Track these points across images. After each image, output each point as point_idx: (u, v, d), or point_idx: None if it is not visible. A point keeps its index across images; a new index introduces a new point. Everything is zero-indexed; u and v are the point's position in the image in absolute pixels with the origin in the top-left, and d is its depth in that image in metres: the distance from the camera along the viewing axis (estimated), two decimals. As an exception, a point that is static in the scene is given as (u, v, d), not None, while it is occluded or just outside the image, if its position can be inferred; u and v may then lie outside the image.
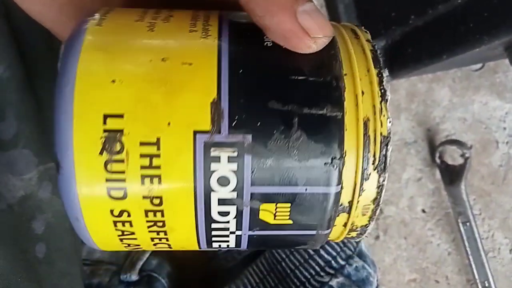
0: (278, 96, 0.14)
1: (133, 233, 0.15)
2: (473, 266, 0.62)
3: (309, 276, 0.33)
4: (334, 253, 0.34)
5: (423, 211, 0.66)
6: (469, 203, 0.62)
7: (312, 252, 0.34)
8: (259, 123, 0.13)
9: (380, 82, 0.15)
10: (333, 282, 0.33)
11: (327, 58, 0.15)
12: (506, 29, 0.41)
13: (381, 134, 0.14)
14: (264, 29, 0.15)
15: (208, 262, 0.39)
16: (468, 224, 0.62)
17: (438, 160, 0.64)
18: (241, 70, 0.14)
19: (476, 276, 0.62)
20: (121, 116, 0.13)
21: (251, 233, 0.15)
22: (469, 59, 0.58)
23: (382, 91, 0.15)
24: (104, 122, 0.13)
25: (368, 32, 0.17)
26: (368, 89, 0.15)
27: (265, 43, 0.15)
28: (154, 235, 0.15)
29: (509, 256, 0.66)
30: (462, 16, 0.45)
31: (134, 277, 0.34)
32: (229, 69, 0.14)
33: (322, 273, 0.33)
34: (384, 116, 0.14)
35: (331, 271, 0.33)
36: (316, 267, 0.33)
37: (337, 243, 0.34)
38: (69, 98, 0.13)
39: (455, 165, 0.63)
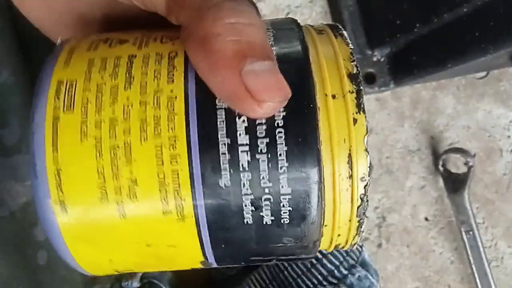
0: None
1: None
2: (476, 275, 0.62)
3: (311, 286, 0.33)
4: (337, 263, 0.34)
5: (426, 219, 0.66)
6: (472, 211, 0.62)
7: (314, 261, 0.34)
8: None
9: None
10: (336, 292, 0.33)
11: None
12: (511, 38, 0.41)
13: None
14: (209, 87, 0.14)
15: (209, 270, 0.39)
16: (471, 232, 0.62)
17: (441, 168, 0.64)
18: (222, 245, 0.14)
19: (479, 285, 0.62)
20: None
21: None
22: (474, 67, 0.58)
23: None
24: None
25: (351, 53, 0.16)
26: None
27: (245, 220, 0.14)
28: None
29: (512, 266, 0.66)
30: (467, 25, 0.45)
31: (135, 284, 0.34)
32: (211, 243, 0.14)
33: (324, 283, 0.33)
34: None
35: (334, 281, 0.33)
36: (319, 277, 0.33)
37: (339, 252, 0.34)
38: None
39: (458, 173, 0.63)
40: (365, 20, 0.56)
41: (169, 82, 0.14)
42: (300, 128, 0.13)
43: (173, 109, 0.14)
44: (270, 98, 0.13)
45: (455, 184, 0.63)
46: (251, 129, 0.13)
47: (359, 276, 0.34)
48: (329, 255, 0.34)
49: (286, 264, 0.35)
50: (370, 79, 0.59)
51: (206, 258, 0.15)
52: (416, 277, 0.65)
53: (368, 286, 0.34)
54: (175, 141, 0.13)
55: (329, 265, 0.34)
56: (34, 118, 0.14)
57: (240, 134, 0.13)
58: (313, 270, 0.34)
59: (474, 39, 0.45)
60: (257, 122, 0.13)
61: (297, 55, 0.14)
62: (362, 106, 0.14)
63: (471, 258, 0.62)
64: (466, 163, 0.62)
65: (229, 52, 0.13)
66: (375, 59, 0.57)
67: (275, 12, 0.61)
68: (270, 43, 0.14)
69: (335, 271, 0.33)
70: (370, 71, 0.58)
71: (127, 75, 0.14)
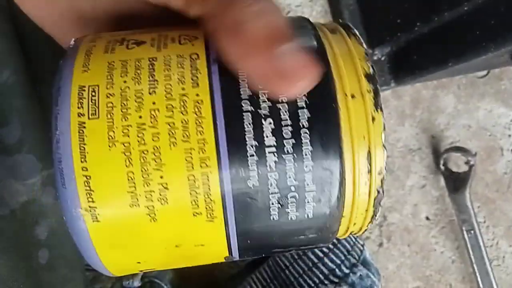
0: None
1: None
2: (477, 274, 0.62)
3: (313, 285, 0.33)
4: (339, 261, 0.34)
5: (427, 218, 0.66)
6: (474, 210, 0.62)
7: (316, 260, 0.34)
8: None
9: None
10: (337, 291, 0.33)
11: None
12: (512, 37, 0.41)
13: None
14: (238, 71, 0.14)
15: (211, 269, 0.39)
16: (472, 232, 0.62)
17: (442, 167, 0.64)
18: (248, 241, 0.15)
19: (481, 285, 0.62)
20: None
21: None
22: (475, 66, 0.58)
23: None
24: None
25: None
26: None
27: (271, 217, 0.15)
28: None
29: (514, 265, 0.66)
30: (468, 23, 0.45)
31: (136, 283, 0.34)
32: (237, 240, 0.15)
33: (326, 282, 0.33)
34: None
35: (335, 280, 0.33)
36: (320, 276, 0.33)
37: (341, 251, 0.34)
38: None
39: (459, 172, 0.63)
40: (365, 19, 0.56)
41: (194, 86, 0.14)
42: (323, 129, 0.14)
43: (201, 113, 0.14)
44: (301, 77, 0.14)
45: (456, 183, 0.63)
46: (277, 131, 0.14)
47: (360, 275, 0.34)
48: (330, 254, 0.33)
49: (287, 263, 0.34)
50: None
51: (231, 253, 0.15)
52: (417, 276, 0.65)
53: (370, 285, 0.34)
54: (204, 144, 0.14)
55: (330, 264, 0.34)
56: (58, 126, 0.14)
57: (267, 136, 0.14)
58: (314, 269, 0.34)
59: (474, 38, 0.45)
60: (283, 123, 0.14)
61: (316, 55, 0.15)
62: (379, 104, 0.15)
63: (472, 257, 0.62)
64: (467, 162, 0.62)
65: (261, 37, 0.14)
66: (375, 58, 0.57)
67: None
68: None
69: (337, 270, 0.33)
70: (371, 70, 0.58)
71: (151, 78, 0.14)
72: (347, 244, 0.35)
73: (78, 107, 0.14)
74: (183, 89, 0.14)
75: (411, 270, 0.65)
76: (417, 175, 0.66)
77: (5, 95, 0.25)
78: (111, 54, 0.15)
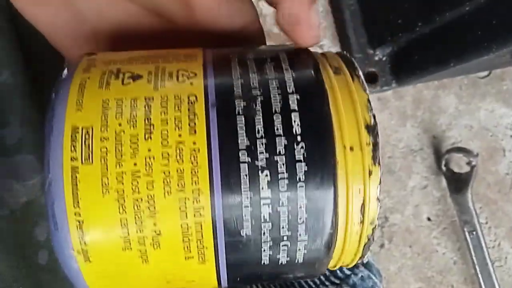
0: None
1: None
2: (479, 275, 0.62)
3: (314, 286, 0.33)
4: (339, 263, 0.34)
5: (429, 219, 0.66)
6: (475, 211, 0.62)
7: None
8: None
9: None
10: (338, 292, 0.32)
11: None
12: (514, 37, 0.41)
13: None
14: (278, 13, 0.16)
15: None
16: (474, 233, 0.62)
17: (444, 168, 0.64)
18: (238, 279, 0.15)
19: (483, 286, 0.61)
20: None
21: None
22: (476, 66, 0.58)
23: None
24: None
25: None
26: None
27: (262, 262, 0.15)
28: None
29: (516, 266, 0.66)
30: (469, 23, 0.45)
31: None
32: (227, 278, 0.15)
33: (327, 283, 0.33)
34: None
35: (336, 281, 0.33)
36: (321, 277, 0.33)
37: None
38: None
39: (461, 173, 0.63)
40: (366, 19, 0.56)
41: (191, 133, 0.14)
42: (320, 183, 0.14)
43: (197, 162, 0.14)
44: (318, 32, 0.17)
45: (457, 183, 0.62)
46: (273, 183, 0.14)
47: (362, 276, 0.34)
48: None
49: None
50: (372, 79, 0.59)
51: (220, 286, 0.16)
52: (419, 278, 0.65)
53: (371, 286, 0.34)
54: (198, 194, 0.14)
55: (331, 265, 0.34)
56: (51, 170, 0.14)
57: (262, 188, 0.14)
58: (315, 270, 0.34)
59: (476, 38, 0.45)
60: (279, 176, 0.14)
61: (318, 103, 0.15)
62: (377, 158, 0.15)
63: (474, 258, 0.62)
64: (468, 163, 0.62)
65: None
66: (376, 58, 0.57)
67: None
68: (289, 79, 0.15)
69: (338, 271, 0.33)
70: (372, 70, 0.58)
71: (146, 122, 0.14)
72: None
73: (71, 151, 0.14)
74: (179, 135, 0.14)
75: (412, 271, 0.64)
76: (418, 175, 0.66)
77: (5, 95, 0.25)
78: (105, 90, 0.14)
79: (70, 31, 0.19)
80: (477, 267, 0.62)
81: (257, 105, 0.14)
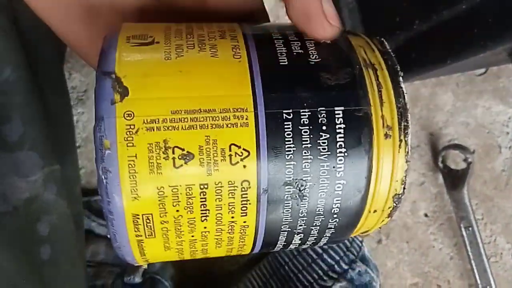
0: None
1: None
2: (475, 271, 0.62)
3: (312, 280, 0.33)
4: (337, 258, 0.34)
5: (426, 215, 0.66)
6: (472, 207, 0.62)
7: (315, 256, 0.34)
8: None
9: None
10: (336, 287, 0.33)
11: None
12: (511, 35, 0.41)
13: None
14: (287, 5, 0.16)
15: (211, 266, 0.39)
16: (470, 228, 0.62)
17: (441, 165, 0.64)
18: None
19: (478, 281, 0.62)
20: None
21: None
22: (473, 64, 0.58)
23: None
24: None
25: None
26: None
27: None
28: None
29: (511, 261, 0.66)
30: (466, 21, 0.45)
31: (137, 279, 0.34)
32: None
33: (325, 277, 0.33)
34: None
35: (334, 276, 0.33)
36: (319, 271, 0.33)
37: (340, 248, 0.34)
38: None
39: (457, 169, 0.63)
40: (364, 18, 0.56)
41: (243, 215, 0.16)
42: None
43: (245, 233, 0.16)
44: (336, 23, 0.17)
45: (454, 180, 0.63)
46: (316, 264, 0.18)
47: (359, 271, 0.34)
48: (329, 250, 0.34)
49: (287, 259, 0.35)
50: (369, 76, 0.59)
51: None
52: (416, 273, 0.65)
53: (368, 280, 0.34)
54: (243, 247, 0.17)
55: (329, 260, 0.34)
56: (118, 240, 0.16)
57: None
58: (313, 265, 0.35)
59: (473, 36, 0.45)
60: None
61: (361, 176, 0.16)
62: (392, 217, 0.17)
63: (470, 254, 0.62)
64: (465, 160, 0.62)
65: None
66: (374, 56, 0.57)
67: (274, 8, 0.61)
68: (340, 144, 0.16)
69: (336, 266, 0.33)
70: (370, 68, 0.58)
71: (202, 208, 0.15)
72: (345, 241, 0.36)
73: (135, 231, 0.15)
74: (232, 217, 0.15)
75: (409, 266, 0.65)
76: (416, 172, 0.66)
77: (7, 92, 0.25)
78: (157, 175, 0.14)
79: (83, 26, 0.19)
80: (473, 262, 0.62)
81: (306, 190, 0.15)
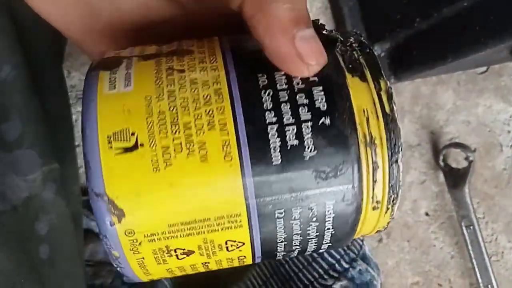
0: None
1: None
2: (477, 269, 0.62)
3: (312, 279, 0.33)
4: (338, 256, 0.34)
5: (427, 214, 0.66)
6: (473, 206, 0.62)
7: (315, 255, 0.34)
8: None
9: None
10: (337, 285, 0.33)
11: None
12: (511, 32, 0.41)
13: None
14: (262, 47, 0.15)
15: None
16: (471, 227, 0.62)
17: (441, 163, 0.64)
18: None
19: (480, 280, 0.62)
20: None
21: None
22: (474, 62, 0.58)
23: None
24: None
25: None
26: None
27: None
28: None
29: (513, 260, 0.66)
30: (467, 19, 0.45)
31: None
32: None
33: (325, 276, 0.33)
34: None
35: (335, 274, 0.33)
36: (320, 270, 0.33)
37: (340, 246, 0.34)
38: None
39: (458, 168, 0.63)
40: (364, 15, 0.56)
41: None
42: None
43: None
44: (316, 61, 0.15)
45: (455, 179, 0.63)
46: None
47: (360, 269, 0.34)
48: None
49: (287, 258, 0.35)
50: (370, 75, 0.58)
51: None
52: (417, 272, 0.65)
53: (369, 279, 0.34)
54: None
55: (330, 258, 0.34)
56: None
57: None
58: (314, 264, 0.35)
59: (474, 34, 0.45)
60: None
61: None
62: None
63: (471, 252, 0.62)
64: (466, 158, 0.62)
65: (285, 19, 0.15)
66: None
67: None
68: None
69: (336, 265, 0.33)
70: (370, 66, 0.58)
71: (205, 267, 0.17)
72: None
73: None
74: None
75: (410, 265, 0.65)
76: (416, 171, 0.66)
77: (5, 91, 0.25)
78: (165, 264, 0.16)
79: (85, 26, 0.19)
80: (474, 261, 0.62)
81: None
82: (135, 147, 0.14)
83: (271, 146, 0.15)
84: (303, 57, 0.15)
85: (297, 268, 0.35)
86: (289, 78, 0.15)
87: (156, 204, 0.15)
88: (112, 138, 0.14)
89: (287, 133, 0.15)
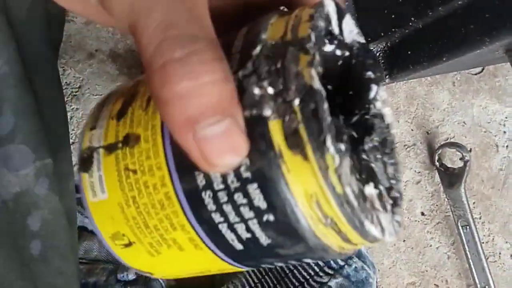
0: None
1: None
2: (473, 270, 0.62)
3: (308, 277, 0.33)
4: (333, 254, 0.34)
5: (422, 214, 0.66)
6: (469, 206, 0.62)
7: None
8: None
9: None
10: (332, 283, 0.33)
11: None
12: (507, 31, 0.41)
13: None
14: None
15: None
16: (468, 227, 0.62)
17: (437, 163, 0.64)
18: None
19: (476, 281, 0.62)
20: None
21: None
22: (469, 62, 0.58)
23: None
24: None
25: None
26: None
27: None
28: None
29: (510, 261, 0.66)
30: (462, 18, 0.45)
31: (131, 276, 0.33)
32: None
33: (321, 273, 0.33)
34: None
35: (330, 272, 0.33)
36: (315, 267, 0.33)
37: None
38: None
39: (454, 168, 0.63)
40: (359, 15, 0.56)
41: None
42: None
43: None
44: (222, 162, 0.13)
45: (451, 179, 0.63)
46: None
47: (355, 267, 0.34)
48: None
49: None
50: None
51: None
52: (413, 272, 0.65)
53: (365, 277, 0.34)
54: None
55: (325, 256, 0.34)
56: None
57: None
58: (309, 261, 0.34)
59: (469, 32, 0.45)
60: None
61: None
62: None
63: (468, 253, 0.62)
64: (462, 158, 0.62)
65: (179, 119, 0.12)
66: (370, 53, 0.57)
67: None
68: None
69: (332, 262, 0.33)
70: (366, 66, 0.58)
71: None
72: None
73: None
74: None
75: (406, 265, 0.65)
76: (412, 170, 0.66)
77: (-2, 85, 0.25)
78: None
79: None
80: (470, 261, 0.62)
81: None
82: (129, 244, 0.17)
83: (228, 239, 0.16)
84: (206, 158, 0.13)
85: (293, 266, 0.35)
86: (224, 176, 0.14)
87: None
88: (114, 238, 0.18)
89: (237, 229, 0.15)
